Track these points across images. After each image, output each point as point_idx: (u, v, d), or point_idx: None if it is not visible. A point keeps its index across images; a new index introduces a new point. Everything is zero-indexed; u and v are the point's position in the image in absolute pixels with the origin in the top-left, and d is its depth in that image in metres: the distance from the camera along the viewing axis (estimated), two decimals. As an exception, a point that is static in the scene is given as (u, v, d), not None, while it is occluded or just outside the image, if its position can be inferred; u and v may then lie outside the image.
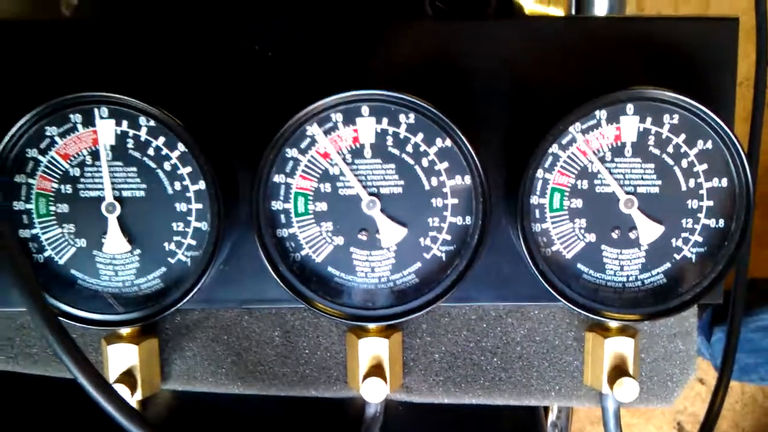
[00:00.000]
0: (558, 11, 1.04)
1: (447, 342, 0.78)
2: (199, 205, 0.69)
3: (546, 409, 1.27)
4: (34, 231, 0.70)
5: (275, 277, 0.68)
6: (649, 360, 0.79)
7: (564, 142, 0.68)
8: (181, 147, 0.68)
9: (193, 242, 0.70)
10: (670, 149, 0.68)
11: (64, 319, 0.69)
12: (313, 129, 0.67)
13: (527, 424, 0.99)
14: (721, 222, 0.69)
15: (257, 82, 0.72)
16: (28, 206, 0.69)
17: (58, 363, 0.78)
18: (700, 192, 0.69)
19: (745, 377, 1.87)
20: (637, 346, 0.72)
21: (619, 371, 0.71)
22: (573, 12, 0.91)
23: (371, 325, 0.71)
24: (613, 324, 0.72)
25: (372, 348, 0.71)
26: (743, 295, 0.82)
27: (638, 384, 0.70)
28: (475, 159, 0.67)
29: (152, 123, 0.68)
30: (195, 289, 0.69)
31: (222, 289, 0.74)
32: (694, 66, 0.72)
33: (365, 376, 0.70)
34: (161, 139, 0.68)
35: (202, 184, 0.68)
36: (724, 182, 0.69)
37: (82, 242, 0.70)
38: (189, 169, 0.68)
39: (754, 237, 0.77)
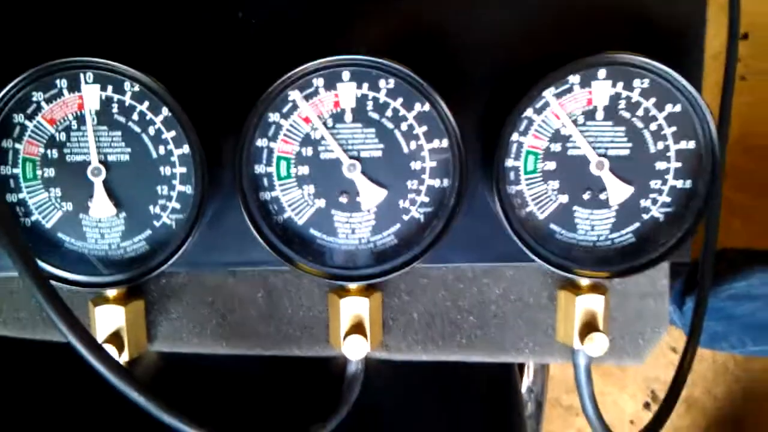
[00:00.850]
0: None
1: (425, 301, 0.80)
2: (183, 169, 0.70)
3: (522, 372, 1.30)
4: (21, 195, 0.71)
5: (259, 239, 0.69)
6: (622, 319, 0.81)
7: (538, 106, 0.70)
8: (165, 111, 0.69)
9: (178, 205, 0.71)
10: (640, 113, 0.70)
11: (52, 281, 0.70)
12: (294, 94, 0.69)
13: (501, 381, 1.01)
14: (689, 183, 0.71)
15: (240, 48, 0.73)
16: (15, 171, 0.70)
17: (45, 327, 0.80)
18: (668, 154, 0.70)
19: (716, 345, 1.90)
20: (608, 303, 0.74)
21: (589, 327, 0.73)
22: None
23: (352, 285, 0.73)
24: (585, 282, 0.74)
25: (353, 307, 0.73)
26: (712, 264, 0.84)
27: (608, 339, 0.72)
28: (453, 123, 0.68)
29: (137, 88, 0.69)
30: (180, 252, 0.70)
31: (206, 252, 0.76)
32: (663, 33, 0.74)
33: (346, 335, 0.72)
34: (145, 104, 0.69)
35: (186, 149, 0.70)
36: (692, 144, 0.70)
37: (68, 206, 0.71)
38: (173, 133, 0.70)
39: (725, 208, 0.79)
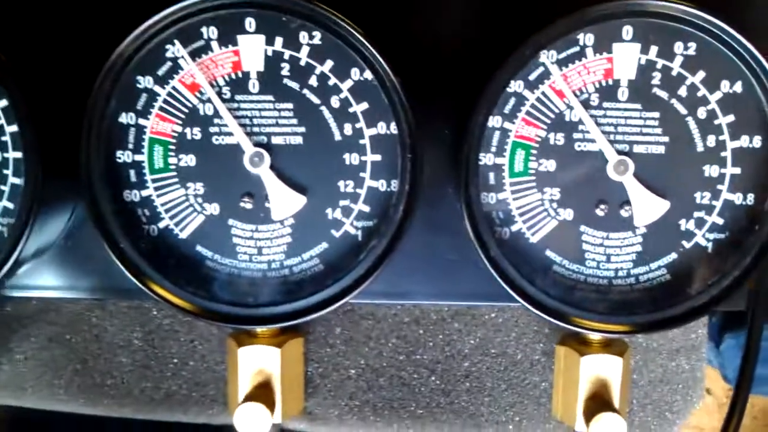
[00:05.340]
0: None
1: (368, 353, 0.69)
2: None
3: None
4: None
5: (114, 257, 0.58)
6: (643, 383, 0.71)
7: (532, 77, 0.56)
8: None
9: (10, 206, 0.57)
10: (682, 92, 0.57)
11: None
12: (175, 49, 0.55)
13: None
14: (750, 198, 0.58)
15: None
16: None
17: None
18: (723, 154, 0.57)
19: (757, 389, 1.76)
20: (627, 368, 0.62)
21: (599, 402, 0.60)
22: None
23: (258, 329, 0.61)
24: (595, 336, 0.62)
25: (257, 360, 0.61)
26: (765, 300, 0.72)
27: (625, 421, 0.58)
28: (403, 99, 0.55)
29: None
30: (7, 264, 0.55)
31: (64, 273, 0.64)
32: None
33: (244, 400, 0.58)
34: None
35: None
36: (757, 141, 0.57)
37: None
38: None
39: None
